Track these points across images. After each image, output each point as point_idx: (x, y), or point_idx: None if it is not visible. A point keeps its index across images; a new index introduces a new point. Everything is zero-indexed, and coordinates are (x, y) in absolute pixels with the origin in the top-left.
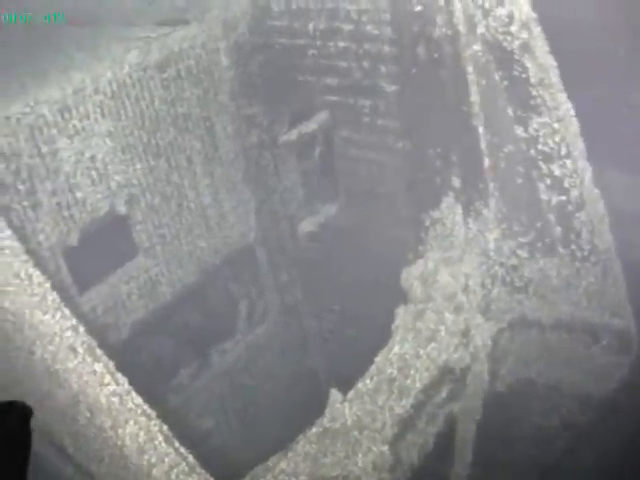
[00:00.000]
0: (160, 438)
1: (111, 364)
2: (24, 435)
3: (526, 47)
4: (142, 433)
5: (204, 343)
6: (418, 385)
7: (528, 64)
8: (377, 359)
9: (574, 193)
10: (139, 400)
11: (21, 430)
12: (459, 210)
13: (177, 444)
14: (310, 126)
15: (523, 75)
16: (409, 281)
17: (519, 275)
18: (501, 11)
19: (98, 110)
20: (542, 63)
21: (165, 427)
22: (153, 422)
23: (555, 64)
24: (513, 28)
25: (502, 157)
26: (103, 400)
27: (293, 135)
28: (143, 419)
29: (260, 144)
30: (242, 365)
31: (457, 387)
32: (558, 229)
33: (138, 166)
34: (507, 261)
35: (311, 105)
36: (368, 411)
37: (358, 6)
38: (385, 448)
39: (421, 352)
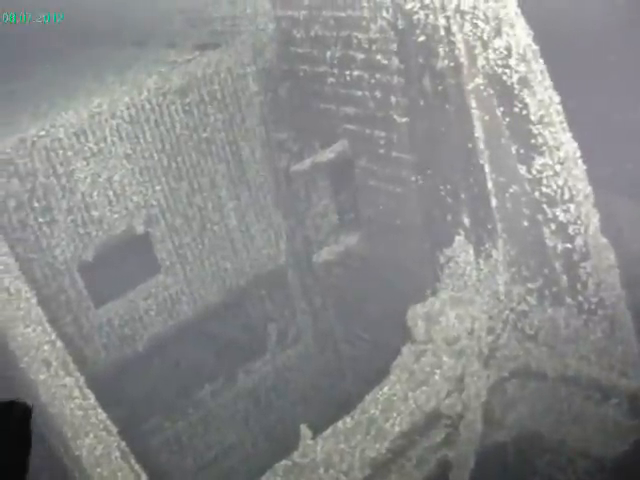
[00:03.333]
0: (117, 454)
1: (82, 379)
2: (24, 435)
3: (525, 81)
4: (100, 447)
5: (232, 361)
6: (397, 429)
7: (528, 100)
8: (366, 397)
9: (579, 241)
10: (103, 416)
11: (21, 430)
12: (470, 250)
13: (133, 461)
14: (327, 155)
15: (524, 112)
16: (414, 319)
17: (529, 322)
18: (499, 43)
19: (115, 133)
20: (542, 99)
21: (123, 444)
22: (113, 438)
23: (557, 100)
24: (512, 61)
25: (508, 198)
26: (67, 412)
27: (306, 164)
28: (103, 434)
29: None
30: (269, 385)
31: (454, 433)
32: (564, 278)
33: (157, 188)
34: (517, 306)
35: (333, 133)
36: (339, 450)
37: (368, 35)
38: None
39: (409, 395)
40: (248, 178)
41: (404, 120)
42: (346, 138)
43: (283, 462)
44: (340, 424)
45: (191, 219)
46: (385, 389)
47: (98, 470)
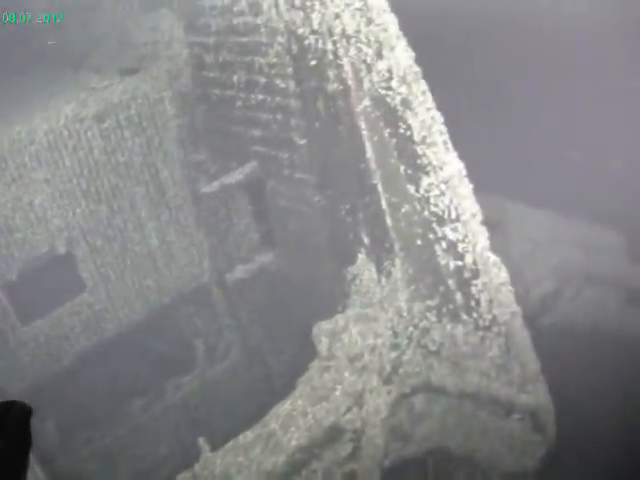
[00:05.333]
0: None
1: None
2: (24, 435)
3: (407, 103)
4: None
5: (161, 375)
6: (294, 443)
7: (410, 121)
8: (270, 412)
9: (468, 259)
10: None
11: (21, 430)
12: (373, 268)
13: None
14: (236, 177)
15: (408, 132)
16: (319, 336)
17: (431, 339)
18: (382, 65)
19: (35, 159)
20: (424, 120)
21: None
22: None
23: (440, 120)
24: (393, 83)
25: (401, 217)
26: None
27: (214, 187)
28: None
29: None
30: (198, 400)
31: (359, 447)
32: (459, 295)
33: (78, 210)
34: (419, 323)
35: (246, 155)
36: (237, 463)
37: (267, 59)
38: None
39: (309, 410)
40: (168, 199)
41: (303, 142)
42: (256, 160)
43: (184, 474)
44: (241, 438)
45: (112, 239)
46: (287, 404)
47: None
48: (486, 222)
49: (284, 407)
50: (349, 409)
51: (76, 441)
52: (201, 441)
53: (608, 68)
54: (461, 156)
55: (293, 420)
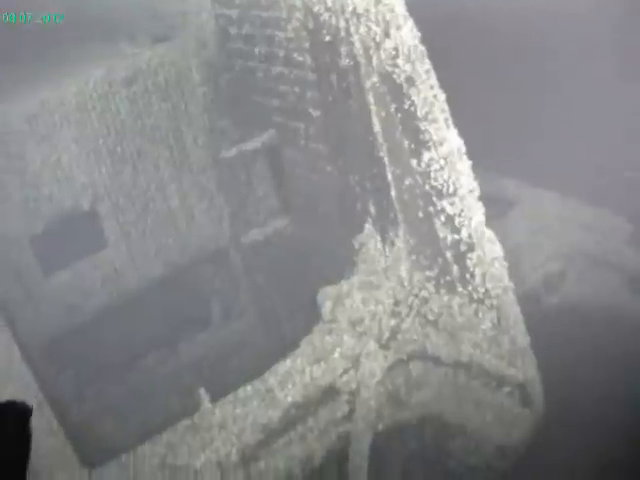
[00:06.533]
0: (34, 404)
1: (9, 334)
2: (24, 435)
3: (411, 80)
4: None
5: (176, 333)
6: (290, 400)
7: (414, 97)
8: (270, 369)
9: (464, 233)
10: (23, 368)
11: (21, 430)
12: (378, 237)
13: (48, 412)
14: (253, 144)
15: (412, 108)
16: (323, 300)
17: (430, 308)
18: (389, 44)
19: (64, 119)
20: (426, 97)
21: (40, 395)
22: (30, 389)
23: (442, 98)
24: (399, 61)
25: (405, 189)
26: None
27: (235, 152)
28: (20, 385)
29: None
30: (212, 358)
31: (354, 409)
32: (455, 267)
33: (103, 169)
34: (420, 293)
35: (266, 123)
36: (234, 415)
37: (286, 34)
38: (233, 450)
39: (307, 369)
40: (191, 162)
41: (318, 114)
42: (274, 128)
43: (183, 422)
44: (240, 391)
45: (135, 199)
46: (287, 362)
47: None
48: (495, 201)
49: (284, 364)
50: (346, 371)
51: (91, 393)
52: (201, 391)
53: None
54: (468, 135)
55: (291, 377)
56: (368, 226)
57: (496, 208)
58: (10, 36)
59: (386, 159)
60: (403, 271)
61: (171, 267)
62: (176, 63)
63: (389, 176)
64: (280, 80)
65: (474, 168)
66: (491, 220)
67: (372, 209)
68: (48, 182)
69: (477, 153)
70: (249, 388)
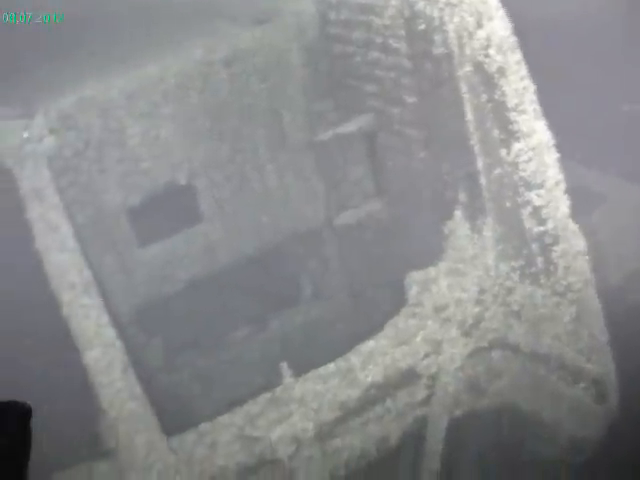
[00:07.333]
0: (119, 367)
1: (100, 301)
2: (24, 435)
3: (502, 71)
4: (106, 358)
5: (266, 309)
6: (370, 380)
7: (505, 88)
8: (354, 348)
9: (550, 225)
10: (112, 333)
11: (21, 430)
12: (467, 225)
13: (132, 377)
14: (348, 128)
15: (502, 99)
16: (410, 284)
17: (515, 299)
18: (481, 34)
19: (163, 97)
20: (517, 88)
21: (125, 358)
22: (118, 353)
23: (532, 90)
24: (491, 51)
25: (493, 179)
26: (81, 327)
27: (331, 135)
28: (111, 349)
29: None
30: (300, 336)
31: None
32: (540, 259)
33: (200, 146)
34: (504, 282)
35: (363, 108)
36: (314, 391)
37: (383, 21)
38: (310, 425)
39: (389, 351)
40: (288, 143)
41: (413, 100)
42: (371, 113)
43: (264, 394)
44: (322, 369)
45: (231, 176)
46: (371, 342)
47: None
48: (583, 195)
49: (367, 345)
50: (427, 355)
51: (179, 361)
52: (284, 366)
53: None
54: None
55: (373, 358)
56: (458, 213)
57: (584, 203)
58: (113, 16)
59: (477, 148)
60: (489, 260)
61: (264, 245)
62: (276, 45)
63: (479, 165)
64: (377, 66)
65: (562, 160)
66: (577, 214)
67: (462, 196)
68: (146, 157)
69: (566, 146)
70: (331, 366)
